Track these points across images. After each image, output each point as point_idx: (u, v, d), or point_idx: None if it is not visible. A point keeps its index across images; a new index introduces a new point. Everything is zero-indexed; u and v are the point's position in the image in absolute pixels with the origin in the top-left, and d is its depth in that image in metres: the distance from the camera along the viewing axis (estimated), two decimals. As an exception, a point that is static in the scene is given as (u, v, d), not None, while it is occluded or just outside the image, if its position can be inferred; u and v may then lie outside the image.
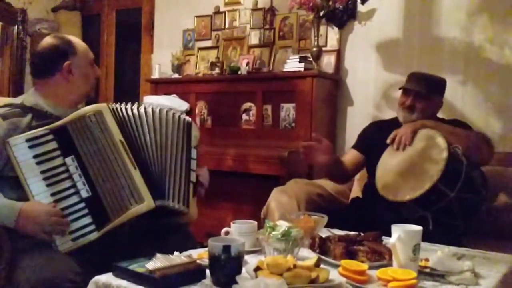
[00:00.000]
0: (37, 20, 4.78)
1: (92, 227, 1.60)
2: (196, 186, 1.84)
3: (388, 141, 2.15)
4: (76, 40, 1.83)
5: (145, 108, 1.74)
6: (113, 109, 1.68)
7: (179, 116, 1.80)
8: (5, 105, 1.73)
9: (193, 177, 1.78)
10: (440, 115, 2.40)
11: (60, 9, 5.01)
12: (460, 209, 1.93)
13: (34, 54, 1.81)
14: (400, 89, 2.34)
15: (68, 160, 1.63)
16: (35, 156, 1.61)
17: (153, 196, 1.61)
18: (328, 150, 2.19)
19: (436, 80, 2.34)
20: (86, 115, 1.65)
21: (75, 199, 1.62)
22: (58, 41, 1.79)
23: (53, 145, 1.63)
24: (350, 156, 2.46)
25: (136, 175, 1.62)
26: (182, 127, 1.79)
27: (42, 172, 1.61)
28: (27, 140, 1.62)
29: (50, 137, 1.64)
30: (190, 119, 1.85)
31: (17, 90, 4.33)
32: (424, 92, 2.25)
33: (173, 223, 1.78)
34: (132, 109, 1.73)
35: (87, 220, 1.61)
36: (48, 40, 1.80)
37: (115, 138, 1.64)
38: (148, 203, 1.60)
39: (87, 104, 1.89)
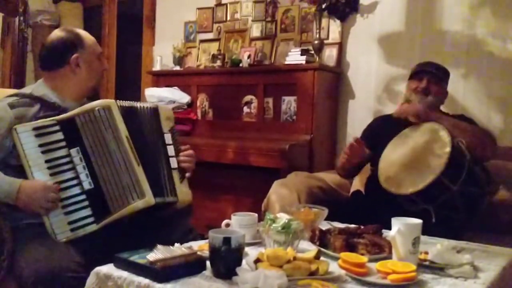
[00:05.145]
0: (39, 12, 4.77)
1: (91, 219, 1.62)
2: (182, 170, 1.81)
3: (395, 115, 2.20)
4: (85, 34, 1.84)
5: (138, 106, 1.76)
6: (120, 105, 1.70)
7: (145, 107, 1.78)
8: (14, 95, 1.75)
9: (173, 164, 1.78)
10: (442, 109, 2.39)
11: (61, 0, 5.00)
12: (462, 202, 1.93)
13: (42, 47, 1.81)
14: (412, 75, 2.33)
15: (73, 151, 1.64)
16: (40, 145, 1.63)
17: (153, 193, 1.63)
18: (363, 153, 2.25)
19: (444, 67, 2.35)
20: (95, 108, 1.66)
21: (77, 190, 1.63)
22: (66, 34, 1.80)
23: (59, 135, 1.65)
24: None
25: (139, 171, 1.64)
26: (151, 116, 1.78)
27: (47, 161, 1.63)
28: (34, 129, 1.63)
29: (57, 128, 1.65)
30: (156, 104, 1.83)
31: (19, 81, 4.33)
32: (439, 74, 2.26)
33: (169, 212, 1.78)
34: (133, 107, 1.74)
35: (87, 212, 1.62)
36: (56, 33, 1.81)
37: (122, 134, 1.65)
38: (148, 199, 1.62)
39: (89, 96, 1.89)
